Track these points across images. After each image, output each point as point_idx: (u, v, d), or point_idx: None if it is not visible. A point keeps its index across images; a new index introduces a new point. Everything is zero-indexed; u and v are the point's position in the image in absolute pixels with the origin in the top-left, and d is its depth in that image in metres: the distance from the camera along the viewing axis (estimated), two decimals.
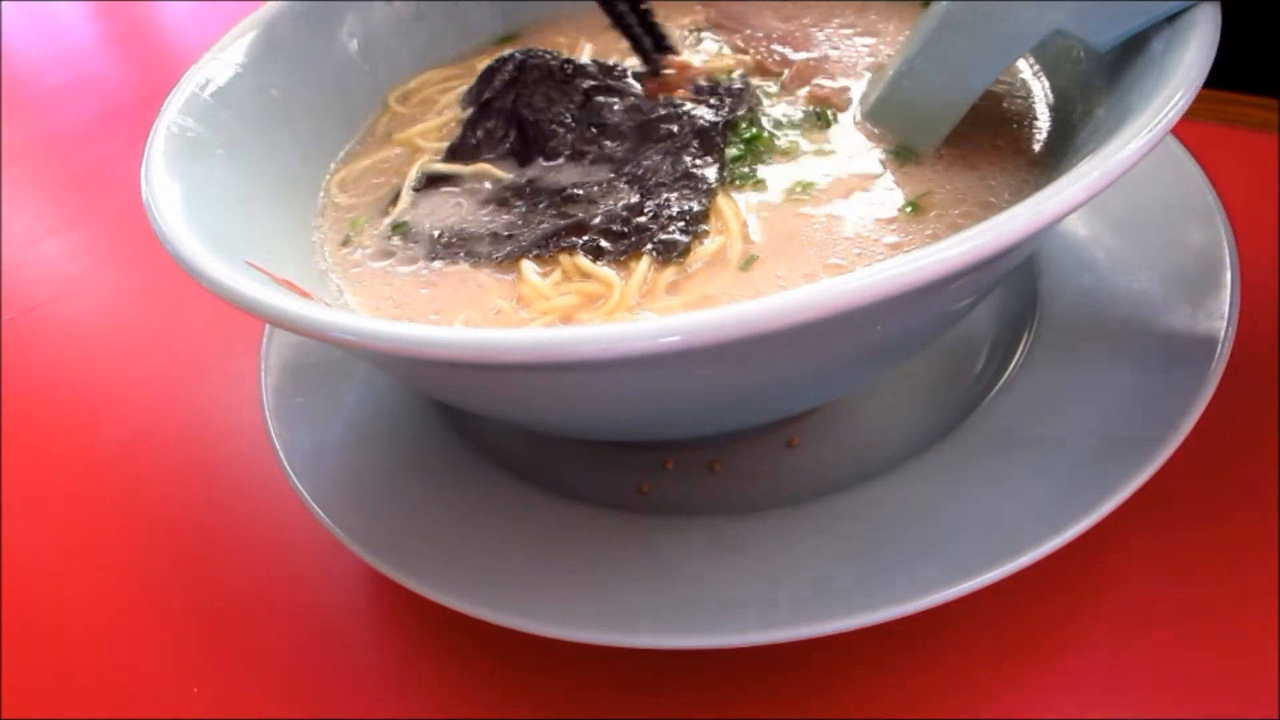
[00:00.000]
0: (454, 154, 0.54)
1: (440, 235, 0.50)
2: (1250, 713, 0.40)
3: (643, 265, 0.45)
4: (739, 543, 0.43)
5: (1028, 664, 0.42)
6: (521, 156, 0.53)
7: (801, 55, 0.58)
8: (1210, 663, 0.41)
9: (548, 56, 0.55)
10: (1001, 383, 0.48)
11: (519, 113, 0.54)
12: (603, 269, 0.45)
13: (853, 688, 0.42)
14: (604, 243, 0.46)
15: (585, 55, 0.61)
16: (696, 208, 0.47)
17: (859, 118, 0.52)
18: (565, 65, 0.55)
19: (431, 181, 0.53)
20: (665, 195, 0.48)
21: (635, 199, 0.48)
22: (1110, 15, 0.41)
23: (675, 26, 0.63)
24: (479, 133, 0.54)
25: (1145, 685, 0.41)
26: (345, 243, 0.52)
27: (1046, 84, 0.51)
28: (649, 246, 0.45)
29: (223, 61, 0.53)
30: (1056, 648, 0.43)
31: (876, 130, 0.50)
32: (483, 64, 0.60)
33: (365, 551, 0.45)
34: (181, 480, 0.59)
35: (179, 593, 0.52)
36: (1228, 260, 0.49)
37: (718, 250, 0.45)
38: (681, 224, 0.46)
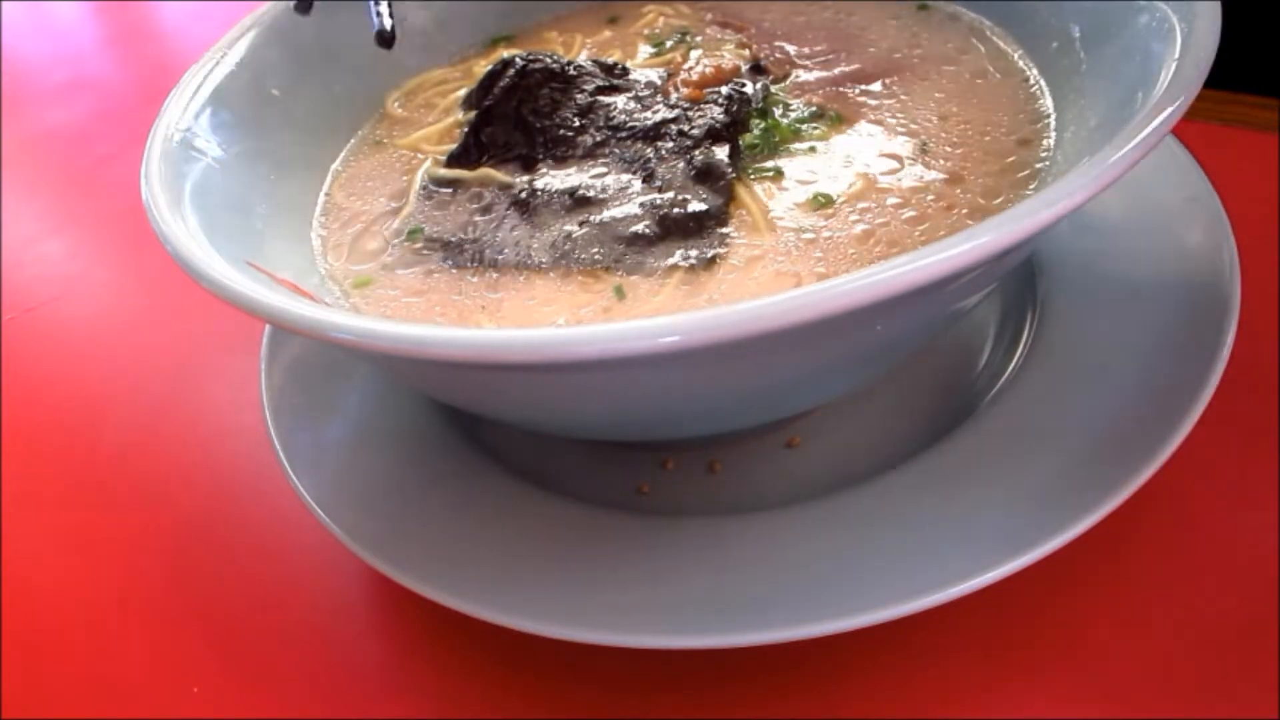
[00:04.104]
0: (458, 159, 0.54)
1: (452, 241, 0.50)
2: (1250, 713, 0.40)
3: (675, 278, 0.45)
4: (739, 543, 0.43)
5: (1028, 664, 0.42)
6: (528, 161, 0.53)
7: (805, 51, 0.58)
8: (1210, 663, 0.41)
9: (549, 59, 0.55)
10: (1001, 382, 0.48)
11: (524, 117, 0.53)
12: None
13: (853, 688, 0.42)
14: (626, 250, 0.46)
15: (583, 56, 0.61)
16: (714, 205, 0.47)
17: None
18: (567, 67, 0.55)
19: (437, 186, 0.53)
20: (681, 195, 0.48)
21: (650, 198, 0.48)
22: None
23: (679, 25, 0.63)
24: (483, 138, 0.54)
25: (1145, 685, 0.41)
26: (352, 244, 0.52)
27: (1045, 85, 0.51)
28: (678, 256, 0.45)
29: (223, 61, 0.53)
30: (1056, 648, 0.43)
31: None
32: (479, 66, 0.60)
33: (365, 551, 0.45)
34: (181, 480, 0.59)
35: (179, 592, 0.52)
36: (1228, 260, 0.49)
37: (743, 246, 0.45)
38: (701, 223, 0.46)
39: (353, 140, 0.59)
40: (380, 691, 0.46)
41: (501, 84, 0.55)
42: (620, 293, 0.45)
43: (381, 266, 0.50)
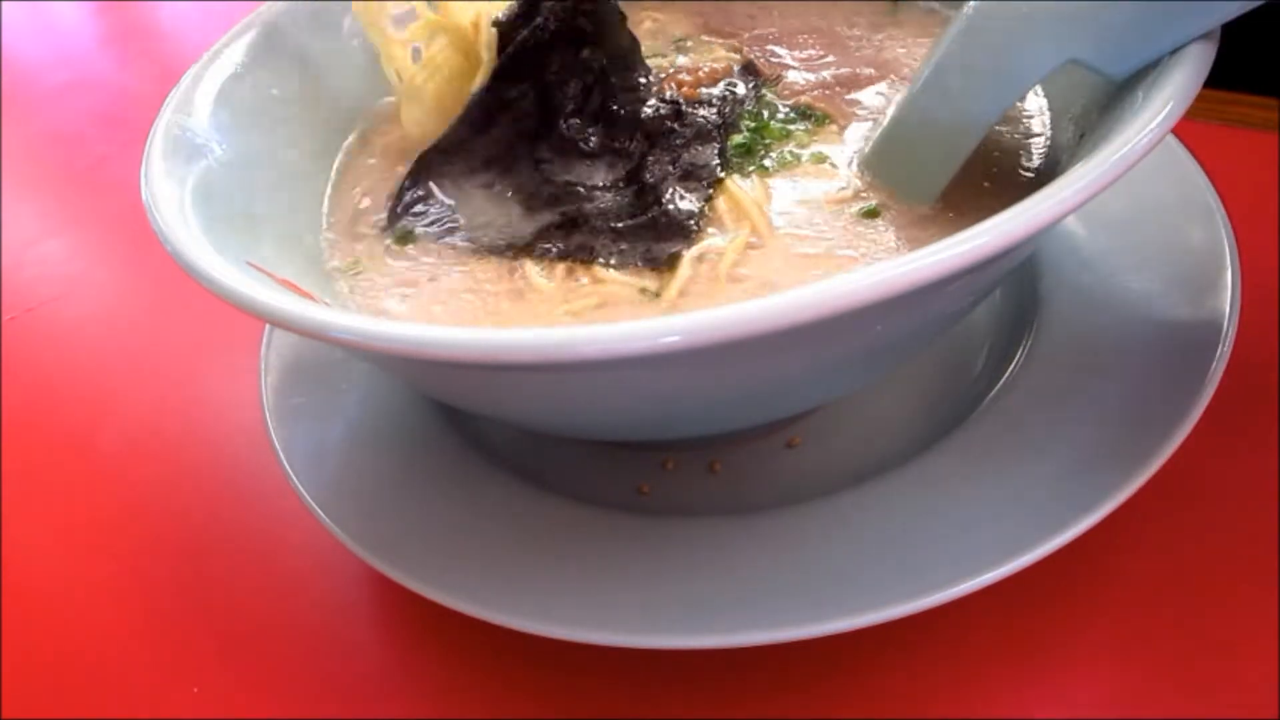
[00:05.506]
0: (472, 112, 0.52)
1: (444, 231, 0.50)
2: (1250, 713, 0.40)
3: (682, 271, 0.45)
4: (738, 543, 0.43)
5: (1028, 664, 0.43)
6: (532, 134, 0.52)
7: (796, 55, 0.58)
8: (1210, 663, 0.41)
9: (581, 20, 0.52)
10: (1001, 383, 0.48)
11: (545, 78, 0.52)
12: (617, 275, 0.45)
13: (853, 688, 0.42)
14: (621, 245, 0.46)
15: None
16: (705, 203, 0.47)
17: (856, 166, 0.48)
18: (586, 38, 0.53)
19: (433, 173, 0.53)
20: (671, 192, 0.48)
21: (639, 195, 0.48)
22: (1129, 44, 0.39)
23: (671, 28, 0.63)
24: (512, 93, 0.52)
25: (1145, 685, 0.41)
26: (348, 237, 0.52)
27: (1041, 85, 0.51)
28: (667, 254, 0.45)
29: (223, 61, 0.53)
30: (1056, 648, 0.43)
31: (870, 180, 0.47)
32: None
33: (365, 551, 0.45)
34: (181, 480, 0.59)
35: (178, 592, 0.52)
36: (1228, 260, 0.49)
37: (735, 244, 0.45)
38: (692, 221, 0.46)
39: (351, 138, 0.59)
40: (380, 691, 0.46)
41: (541, 19, 0.52)
42: (610, 290, 0.44)
43: (371, 256, 0.50)
